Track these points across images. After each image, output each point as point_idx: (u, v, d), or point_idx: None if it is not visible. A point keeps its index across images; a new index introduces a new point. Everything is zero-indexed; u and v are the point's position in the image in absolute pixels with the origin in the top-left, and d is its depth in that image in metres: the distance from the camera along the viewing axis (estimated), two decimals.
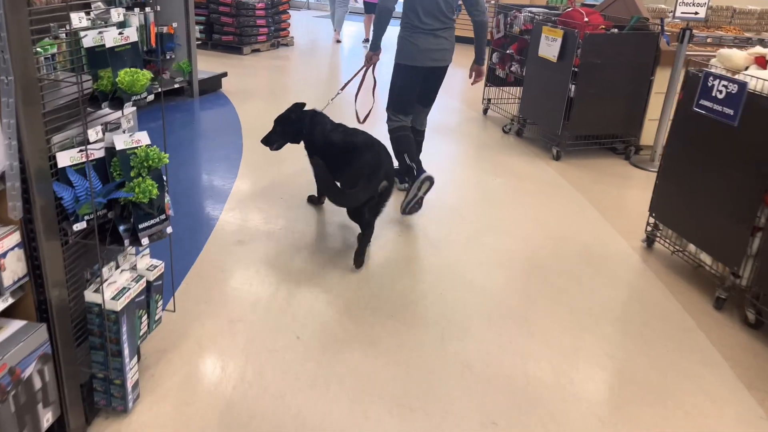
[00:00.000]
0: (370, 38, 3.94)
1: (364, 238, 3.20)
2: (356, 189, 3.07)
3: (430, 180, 3.73)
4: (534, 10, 5.72)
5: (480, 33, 3.89)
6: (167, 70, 6.08)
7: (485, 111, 6.41)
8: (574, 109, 4.94)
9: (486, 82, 6.30)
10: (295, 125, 3.57)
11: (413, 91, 3.78)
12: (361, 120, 3.91)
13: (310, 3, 14.47)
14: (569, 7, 5.44)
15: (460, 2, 3.92)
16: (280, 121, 3.64)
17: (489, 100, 6.33)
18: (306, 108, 3.63)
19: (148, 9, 5.65)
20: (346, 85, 4.02)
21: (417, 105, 3.91)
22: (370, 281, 3.09)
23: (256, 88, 6.90)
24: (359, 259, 3.15)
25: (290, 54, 9.02)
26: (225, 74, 6.65)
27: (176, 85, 6.03)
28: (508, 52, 5.79)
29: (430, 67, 3.74)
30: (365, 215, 3.17)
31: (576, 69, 4.85)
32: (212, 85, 6.52)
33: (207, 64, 7.60)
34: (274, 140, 3.63)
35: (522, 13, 5.66)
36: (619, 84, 5.00)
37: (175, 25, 6.01)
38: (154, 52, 5.88)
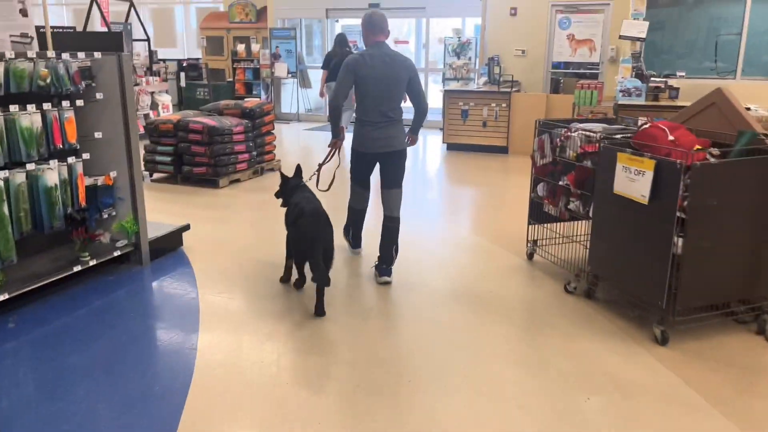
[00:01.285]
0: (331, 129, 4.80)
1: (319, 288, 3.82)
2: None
3: (387, 283, 4.31)
4: (590, 127, 4.21)
5: (419, 117, 4.43)
6: (104, 234, 4.49)
7: (530, 256, 4.78)
8: (684, 271, 3.30)
9: (530, 219, 4.72)
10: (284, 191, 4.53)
11: (365, 170, 4.45)
12: (324, 189, 4.50)
13: (300, 115, 13.30)
14: (645, 123, 3.94)
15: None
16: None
17: (535, 241, 4.72)
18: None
19: (72, 159, 4.15)
20: (320, 167, 4.59)
21: (385, 188, 4.38)
22: None
23: (228, 240, 5.30)
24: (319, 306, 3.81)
25: (277, 182, 7.50)
26: (187, 227, 5.06)
27: (117, 252, 4.43)
28: (561, 183, 4.23)
29: (380, 153, 4.27)
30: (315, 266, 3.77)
31: (682, 214, 3.26)
32: (170, 242, 4.93)
33: (169, 209, 6.08)
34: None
35: (575, 133, 4.15)
36: (742, 229, 3.40)
37: (114, 174, 4.51)
38: (85, 211, 4.35)
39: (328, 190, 4.51)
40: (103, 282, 4.31)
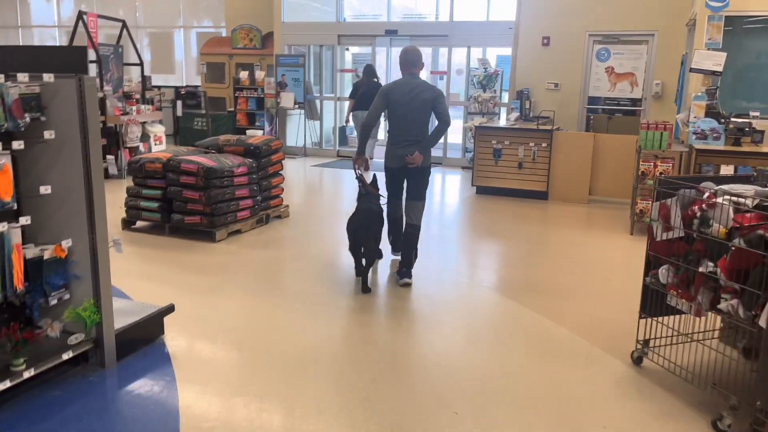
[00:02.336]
0: (357, 146, 5.03)
1: (367, 265, 4.55)
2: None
3: (407, 284, 4.64)
4: (740, 190, 2.94)
5: (437, 131, 4.63)
6: (52, 325, 3.17)
7: (638, 360, 3.48)
8: None
9: (641, 312, 3.43)
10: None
11: (396, 183, 4.85)
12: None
13: (307, 149, 12.07)
14: None
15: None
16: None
17: (646, 341, 3.43)
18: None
19: (4, 225, 2.86)
20: (362, 180, 4.97)
21: (408, 200, 4.81)
22: None
23: (224, 323, 3.99)
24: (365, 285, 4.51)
25: (285, 233, 6.24)
26: (170, 309, 3.75)
27: (69, 354, 3.10)
28: (704, 270, 2.94)
29: (405, 168, 4.69)
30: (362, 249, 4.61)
31: None
32: (146, 332, 3.61)
33: (150, 271, 4.78)
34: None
35: (721, 198, 2.89)
36: None
37: (68, 243, 3.18)
38: (25, 295, 3.06)
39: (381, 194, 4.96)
40: (44, 400, 2.98)
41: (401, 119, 4.60)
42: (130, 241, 5.67)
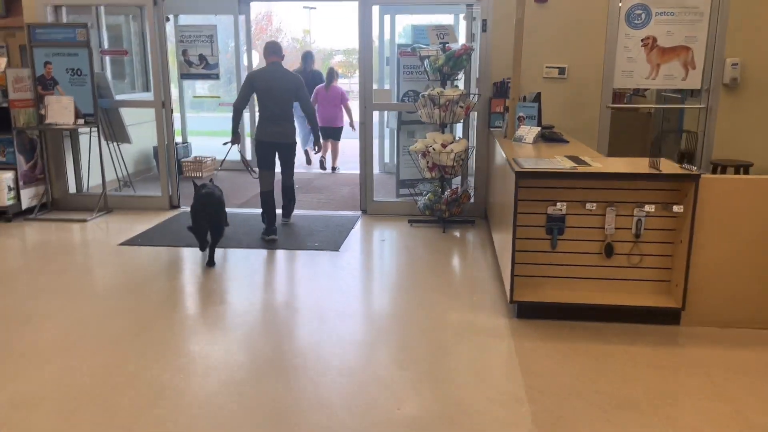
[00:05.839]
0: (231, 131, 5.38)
1: (214, 241, 4.73)
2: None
3: (273, 240, 5.25)
4: None
5: (312, 124, 5.49)
6: None
7: None
8: None
9: None
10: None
11: (266, 155, 5.26)
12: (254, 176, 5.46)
13: (108, 198, 6.36)
14: None
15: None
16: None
17: None
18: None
19: None
20: (222, 162, 5.71)
21: (283, 169, 5.44)
22: None
23: None
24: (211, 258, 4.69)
25: None
26: None
27: None
28: None
29: (274, 142, 5.25)
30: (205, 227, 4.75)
31: None
32: None
33: None
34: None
35: None
36: None
37: None
38: None
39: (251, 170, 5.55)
40: None
41: (269, 101, 5.13)
42: None
